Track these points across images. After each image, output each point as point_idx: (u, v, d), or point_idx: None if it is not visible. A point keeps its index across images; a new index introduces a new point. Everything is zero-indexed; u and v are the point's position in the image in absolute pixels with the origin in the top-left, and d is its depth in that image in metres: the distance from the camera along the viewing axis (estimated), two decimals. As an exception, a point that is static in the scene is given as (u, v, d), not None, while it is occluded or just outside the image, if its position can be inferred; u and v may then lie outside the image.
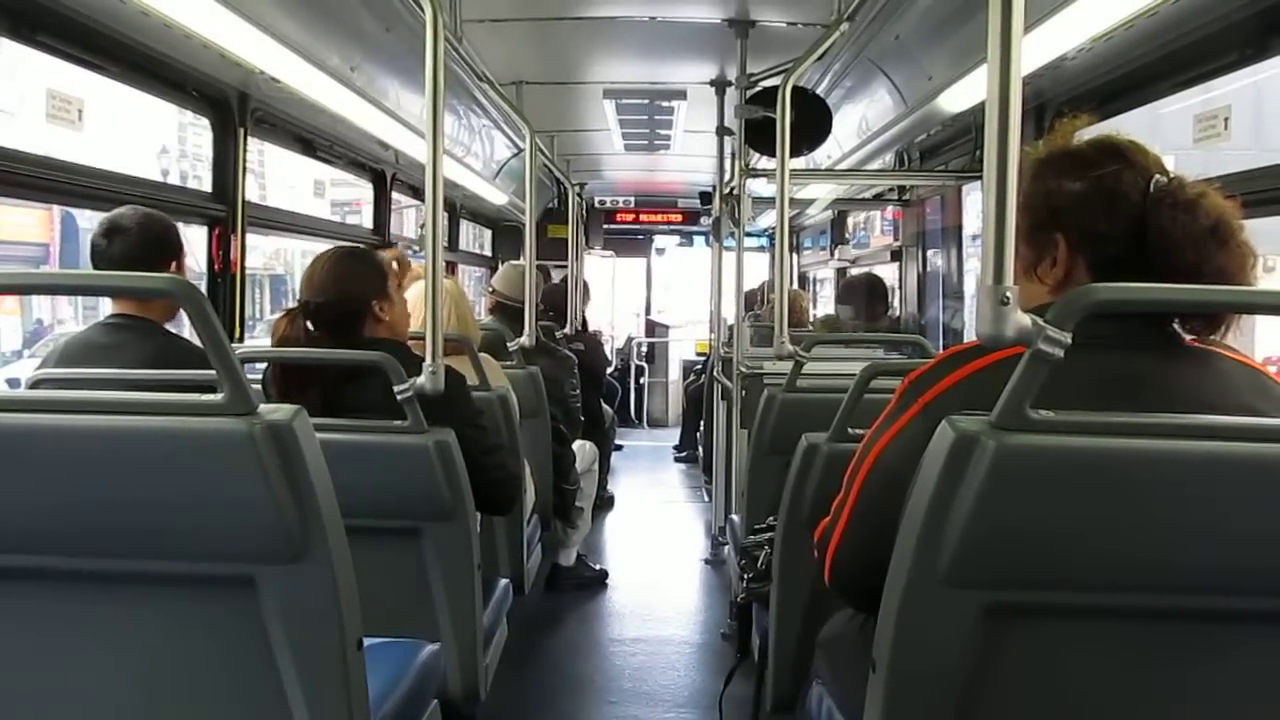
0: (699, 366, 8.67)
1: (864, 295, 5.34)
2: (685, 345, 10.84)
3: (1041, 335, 1.08)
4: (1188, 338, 1.33)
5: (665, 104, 5.50)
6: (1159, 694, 1.24)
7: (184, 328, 2.56)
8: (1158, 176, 1.31)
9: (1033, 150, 1.43)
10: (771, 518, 2.48)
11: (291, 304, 2.39)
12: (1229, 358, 1.33)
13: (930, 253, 5.34)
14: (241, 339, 3.53)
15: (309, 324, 2.31)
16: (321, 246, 2.64)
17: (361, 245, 3.34)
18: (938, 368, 1.37)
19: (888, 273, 5.92)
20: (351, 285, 2.35)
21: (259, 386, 2.28)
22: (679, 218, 10.42)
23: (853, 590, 1.50)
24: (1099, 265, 1.34)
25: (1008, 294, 1.12)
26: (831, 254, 7.93)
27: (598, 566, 4.95)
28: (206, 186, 3.46)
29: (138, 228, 2.51)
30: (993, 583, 1.19)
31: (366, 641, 1.41)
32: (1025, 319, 1.11)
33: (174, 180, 11.22)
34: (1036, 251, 1.38)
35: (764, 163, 4.97)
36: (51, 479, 1.26)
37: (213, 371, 1.22)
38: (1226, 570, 1.19)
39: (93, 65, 2.72)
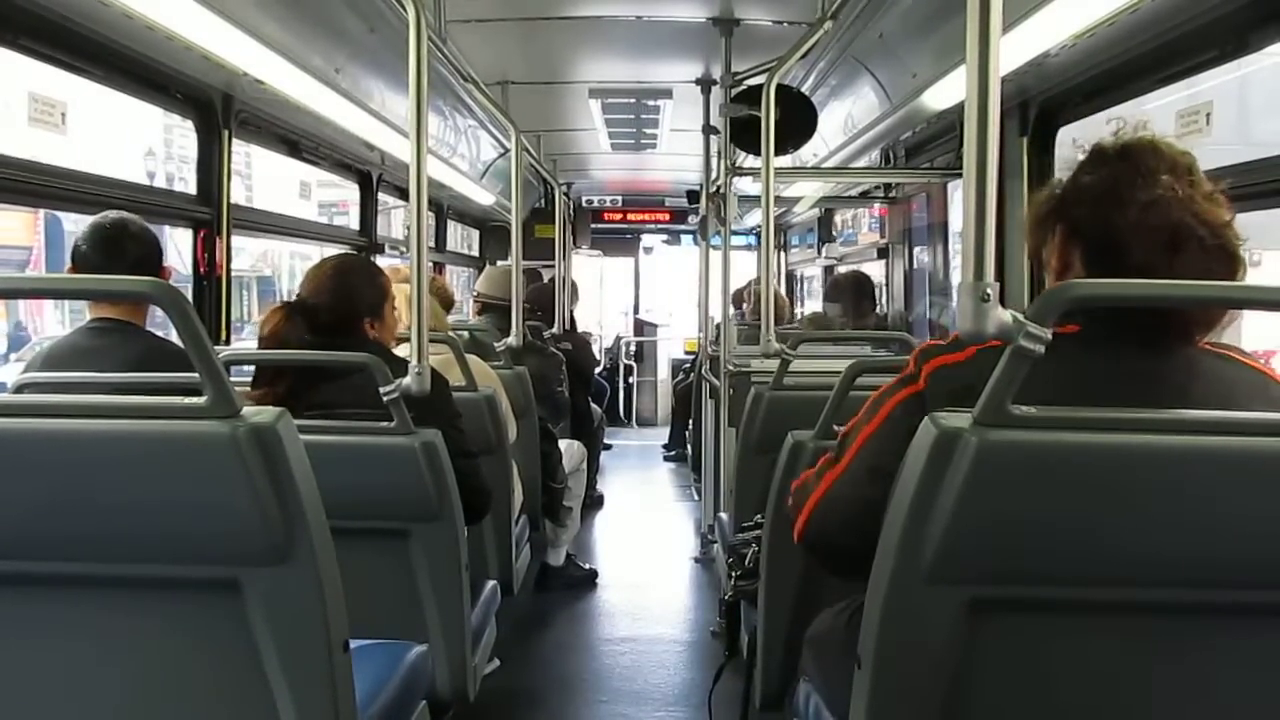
0: (688, 365, 8.66)
1: (851, 293, 5.35)
2: (674, 344, 10.83)
3: (1022, 331, 1.09)
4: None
5: (651, 103, 5.50)
6: (1142, 687, 1.25)
7: (171, 330, 2.54)
8: (1164, 177, 1.29)
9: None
10: (759, 515, 2.48)
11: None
12: (1240, 361, 1.33)
13: (917, 250, 5.35)
14: (228, 341, 3.52)
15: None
16: (308, 248, 2.64)
17: (366, 257, 3.35)
18: (951, 342, 1.38)
19: (875, 270, 5.93)
20: (349, 298, 2.41)
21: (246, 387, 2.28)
22: (666, 217, 10.40)
23: (822, 546, 1.51)
24: (1089, 260, 1.35)
25: (988, 290, 1.13)
26: (819, 252, 7.94)
27: (587, 566, 4.95)
28: (192, 189, 3.45)
29: (111, 230, 2.47)
30: (977, 578, 1.20)
31: (353, 643, 1.41)
32: (1006, 315, 1.12)
33: (160, 183, 11.15)
34: (1038, 238, 1.42)
35: (750, 161, 4.97)
36: (35, 483, 1.26)
37: (197, 374, 1.22)
38: (1207, 564, 1.19)
39: (75, 68, 2.70)
